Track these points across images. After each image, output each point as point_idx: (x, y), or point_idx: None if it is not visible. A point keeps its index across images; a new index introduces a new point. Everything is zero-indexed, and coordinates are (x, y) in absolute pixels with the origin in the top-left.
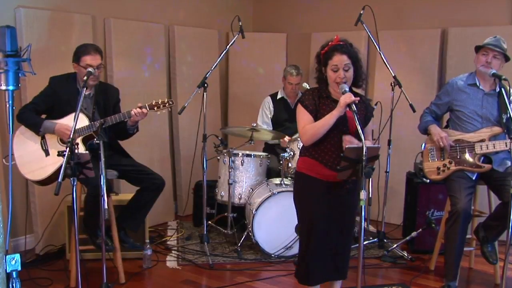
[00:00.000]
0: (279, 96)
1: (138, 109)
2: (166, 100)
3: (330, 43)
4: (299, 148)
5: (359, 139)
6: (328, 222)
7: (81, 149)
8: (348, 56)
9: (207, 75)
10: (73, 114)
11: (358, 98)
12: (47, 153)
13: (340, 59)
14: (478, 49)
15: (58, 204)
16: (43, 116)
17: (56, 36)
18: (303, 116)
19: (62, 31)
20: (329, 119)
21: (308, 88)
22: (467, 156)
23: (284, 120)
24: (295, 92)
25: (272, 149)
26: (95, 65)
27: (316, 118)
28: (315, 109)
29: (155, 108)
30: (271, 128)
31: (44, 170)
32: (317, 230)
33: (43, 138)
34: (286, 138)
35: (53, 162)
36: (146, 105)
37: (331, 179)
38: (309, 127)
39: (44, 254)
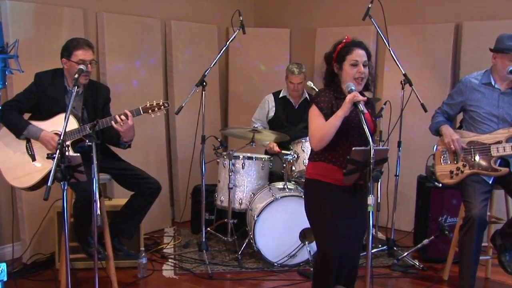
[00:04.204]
0: (281, 95)
1: (123, 117)
2: (161, 102)
3: (344, 41)
4: (303, 150)
5: (367, 142)
6: (346, 228)
7: (70, 152)
8: (365, 53)
9: (206, 73)
10: (60, 116)
11: (366, 98)
12: (33, 158)
13: (360, 54)
14: (499, 50)
15: (47, 210)
16: (25, 115)
17: (45, 31)
18: (315, 119)
19: (51, 26)
20: (334, 121)
21: (313, 86)
22: (482, 159)
23: (285, 121)
24: (298, 92)
25: None
26: (88, 60)
27: None
28: (331, 113)
29: (149, 111)
30: (266, 127)
31: (30, 176)
32: (336, 236)
33: (28, 141)
34: (273, 145)
35: (41, 168)
36: (140, 108)
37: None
38: (317, 130)
39: (32, 263)
